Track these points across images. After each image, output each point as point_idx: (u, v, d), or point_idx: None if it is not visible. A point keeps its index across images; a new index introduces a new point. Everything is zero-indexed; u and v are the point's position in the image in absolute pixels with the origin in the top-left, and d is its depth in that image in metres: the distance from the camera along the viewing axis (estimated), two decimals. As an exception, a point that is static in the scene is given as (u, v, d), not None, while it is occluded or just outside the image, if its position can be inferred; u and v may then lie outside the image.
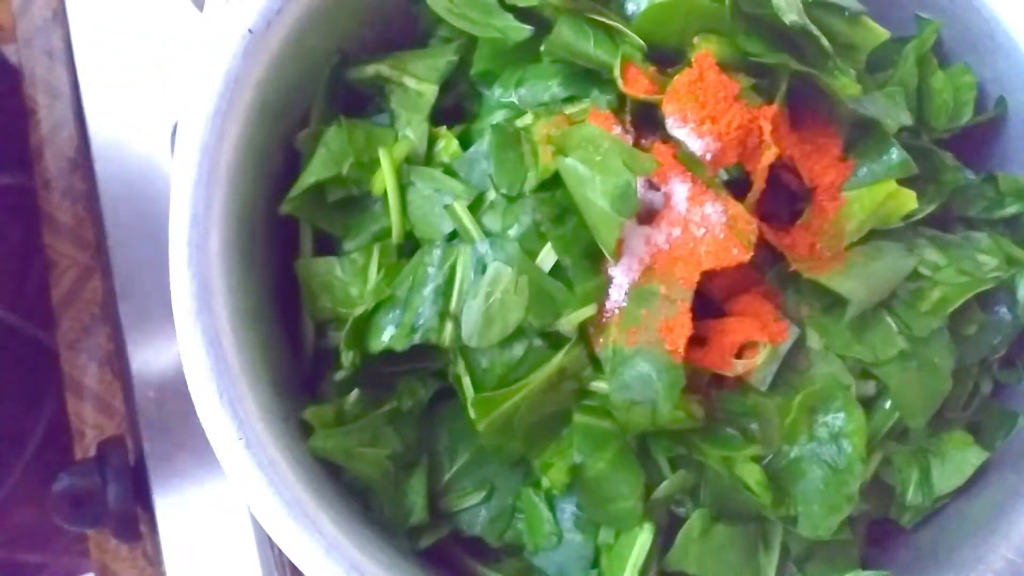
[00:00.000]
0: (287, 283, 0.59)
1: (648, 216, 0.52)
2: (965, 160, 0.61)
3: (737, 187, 0.54)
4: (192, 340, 0.50)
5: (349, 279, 0.57)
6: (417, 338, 0.52)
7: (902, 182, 0.55)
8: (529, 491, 0.55)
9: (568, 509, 0.55)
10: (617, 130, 0.53)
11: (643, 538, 0.53)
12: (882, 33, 0.57)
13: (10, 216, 0.84)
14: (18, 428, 0.86)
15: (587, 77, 0.55)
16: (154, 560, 0.72)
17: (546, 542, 0.54)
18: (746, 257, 0.50)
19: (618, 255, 0.51)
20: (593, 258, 0.52)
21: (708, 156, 0.52)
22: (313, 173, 0.56)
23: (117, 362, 0.77)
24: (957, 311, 0.56)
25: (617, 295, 0.52)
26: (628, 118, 0.54)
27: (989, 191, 0.61)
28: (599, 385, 0.52)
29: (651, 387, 0.50)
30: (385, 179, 0.55)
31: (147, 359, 0.73)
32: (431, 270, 0.53)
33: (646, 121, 0.54)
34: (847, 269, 0.54)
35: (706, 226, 0.51)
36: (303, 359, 0.59)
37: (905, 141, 0.57)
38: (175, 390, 0.72)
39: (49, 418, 0.87)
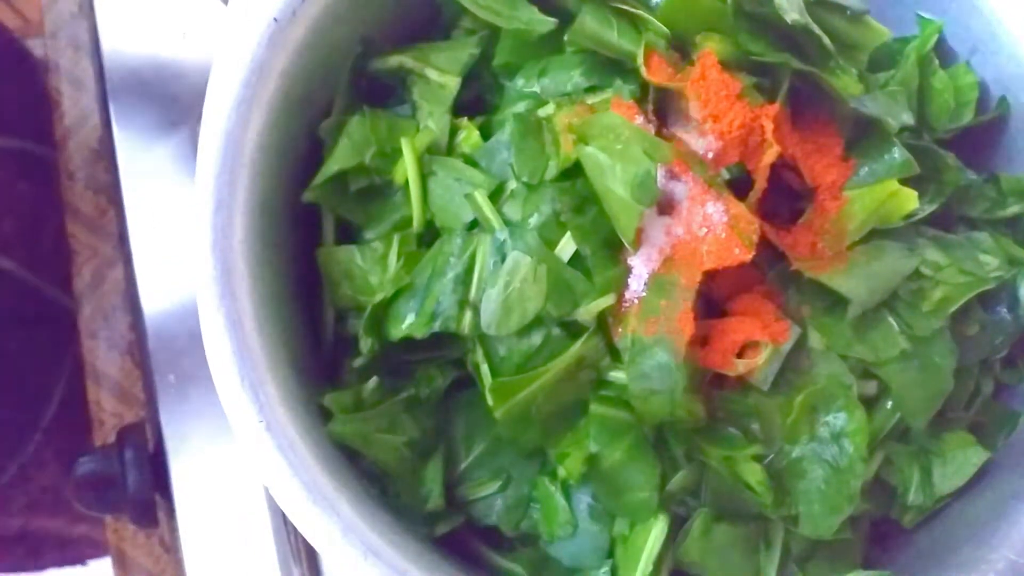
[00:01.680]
0: (308, 270, 0.58)
1: (669, 206, 0.51)
2: (967, 160, 0.60)
3: (739, 187, 0.53)
4: (215, 324, 0.49)
5: (369, 267, 0.56)
6: (437, 326, 0.51)
7: (903, 182, 0.54)
8: (545, 481, 0.54)
9: (584, 499, 0.53)
10: (639, 119, 0.52)
11: (658, 529, 0.51)
12: (884, 32, 0.56)
13: (29, 181, 0.84)
14: (38, 388, 0.86)
15: (610, 67, 0.54)
16: (171, 547, 0.72)
17: (561, 532, 0.53)
18: (748, 257, 0.49)
19: (637, 244, 0.50)
20: (612, 247, 0.51)
21: (710, 155, 0.51)
22: (336, 162, 0.55)
23: (138, 349, 0.77)
24: (959, 311, 0.55)
25: (636, 285, 0.50)
26: (650, 107, 0.53)
27: (991, 191, 0.60)
28: (617, 375, 0.51)
29: (670, 376, 0.49)
30: (407, 168, 0.55)
31: (167, 346, 0.72)
32: (451, 259, 0.52)
33: (669, 110, 0.53)
34: (848, 268, 0.53)
35: (708, 226, 0.50)
36: (323, 345, 0.58)
37: (906, 141, 0.56)
38: (195, 377, 0.72)
39: (67, 381, 0.87)
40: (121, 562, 0.74)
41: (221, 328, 0.49)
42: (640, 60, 0.52)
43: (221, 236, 0.50)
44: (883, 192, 0.54)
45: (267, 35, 0.52)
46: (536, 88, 0.55)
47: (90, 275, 0.77)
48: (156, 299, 0.73)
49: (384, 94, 0.60)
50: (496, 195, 0.53)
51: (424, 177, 0.54)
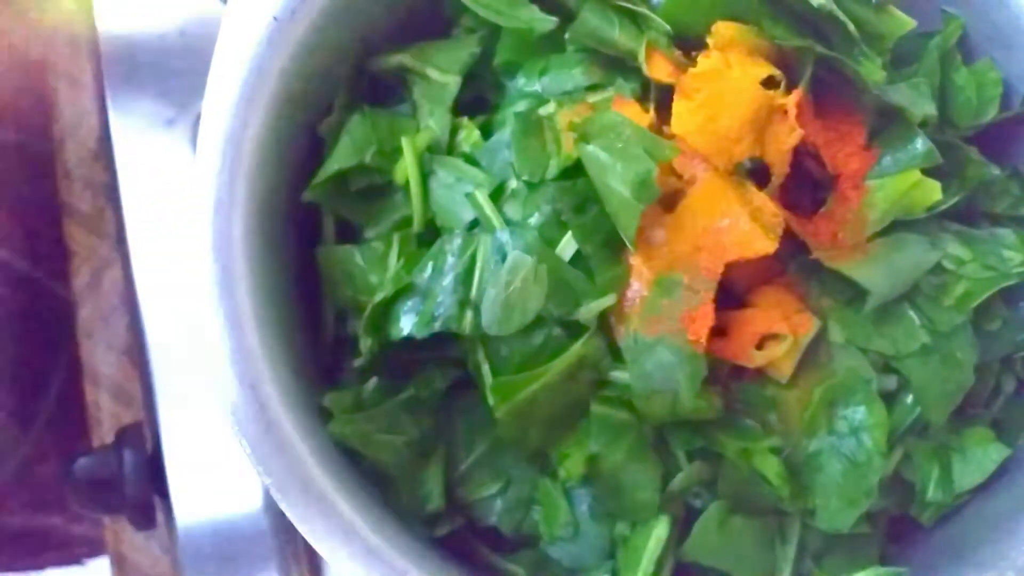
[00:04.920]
0: (308, 270, 0.60)
1: (671, 205, 0.53)
2: (991, 156, 0.61)
3: (760, 176, 0.54)
4: (214, 324, 0.52)
5: (369, 267, 0.57)
6: (437, 326, 0.53)
7: (926, 173, 0.55)
8: (546, 481, 0.56)
9: (585, 500, 0.55)
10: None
11: (659, 530, 0.53)
12: (908, 22, 0.57)
13: (27, 172, 0.86)
14: (36, 379, 0.87)
15: (611, 65, 0.56)
16: (169, 549, 0.73)
17: (562, 533, 0.55)
18: (771, 248, 0.51)
19: (638, 243, 0.52)
20: (614, 247, 0.52)
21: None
22: (336, 161, 0.57)
23: (136, 350, 0.78)
24: (981, 306, 0.57)
25: (638, 284, 0.52)
26: (652, 106, 0.55)
27: (1015, 188, 0.61)
28: (618, 375, 0.53)
29: (672, 376, 0.51)
30: (407, 168, 0.56)
31: (166, 347, 0.74)
32: (451, 258, 0.54)
33: (670, 109, 0.55)
34: (869, 259, 0.55)
35: (730, 216, 0.52)
36: (323, 346, 0.60)
37: (929, 135, 0.57)
38: (194, 377, 0.74)
39: (65, 374, 0.88)
40: (120, 564, 0.75)
41: (221, 328, 0.51)
42: (642, 58, 0.54)
43: (221, 236, 0.52)
44: (905, 182, 0.55)
45: (267, 35, 0.53)
46: (537, 87, 0.57)
47: (88, 275, 0.79)
48: (155, 299, 0.75)
49: (384, 93, 0.61)
50: (497, 194, 0.54)
51: (425, 176, 0.56)
